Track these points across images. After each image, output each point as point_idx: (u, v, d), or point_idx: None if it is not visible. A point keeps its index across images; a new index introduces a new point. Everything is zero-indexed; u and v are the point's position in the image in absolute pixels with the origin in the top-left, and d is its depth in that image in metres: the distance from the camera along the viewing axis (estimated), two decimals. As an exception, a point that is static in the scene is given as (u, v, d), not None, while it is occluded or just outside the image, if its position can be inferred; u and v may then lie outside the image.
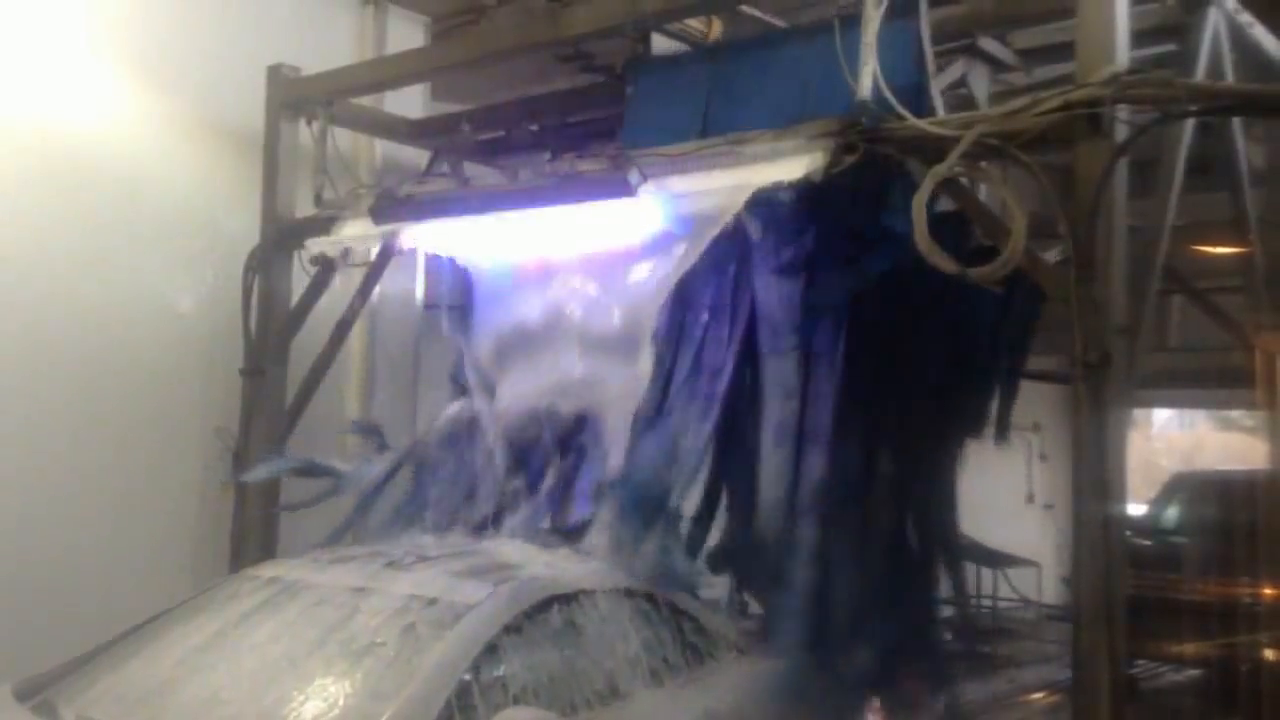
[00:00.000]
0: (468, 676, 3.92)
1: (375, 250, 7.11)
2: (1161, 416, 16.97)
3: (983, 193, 4.95)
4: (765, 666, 4.95)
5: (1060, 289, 4.44)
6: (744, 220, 5.30)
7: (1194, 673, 9.25)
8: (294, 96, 7.33)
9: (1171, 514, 9.80)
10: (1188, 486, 10.07)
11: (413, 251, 6.77)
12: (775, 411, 5.51)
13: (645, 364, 5.59)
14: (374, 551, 4.99)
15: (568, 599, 4.46)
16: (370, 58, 8.06)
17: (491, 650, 4.05)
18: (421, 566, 4.61)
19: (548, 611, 4.34)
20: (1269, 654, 7.37)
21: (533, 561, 4.84)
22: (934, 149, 4.62)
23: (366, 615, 4.23)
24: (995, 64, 6.09)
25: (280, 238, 7.28)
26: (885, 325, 5.54)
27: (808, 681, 4.96)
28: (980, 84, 6.09)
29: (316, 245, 6.84)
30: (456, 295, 6.53)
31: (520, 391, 6.00)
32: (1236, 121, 5.60)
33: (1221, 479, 9.77)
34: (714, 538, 5.93)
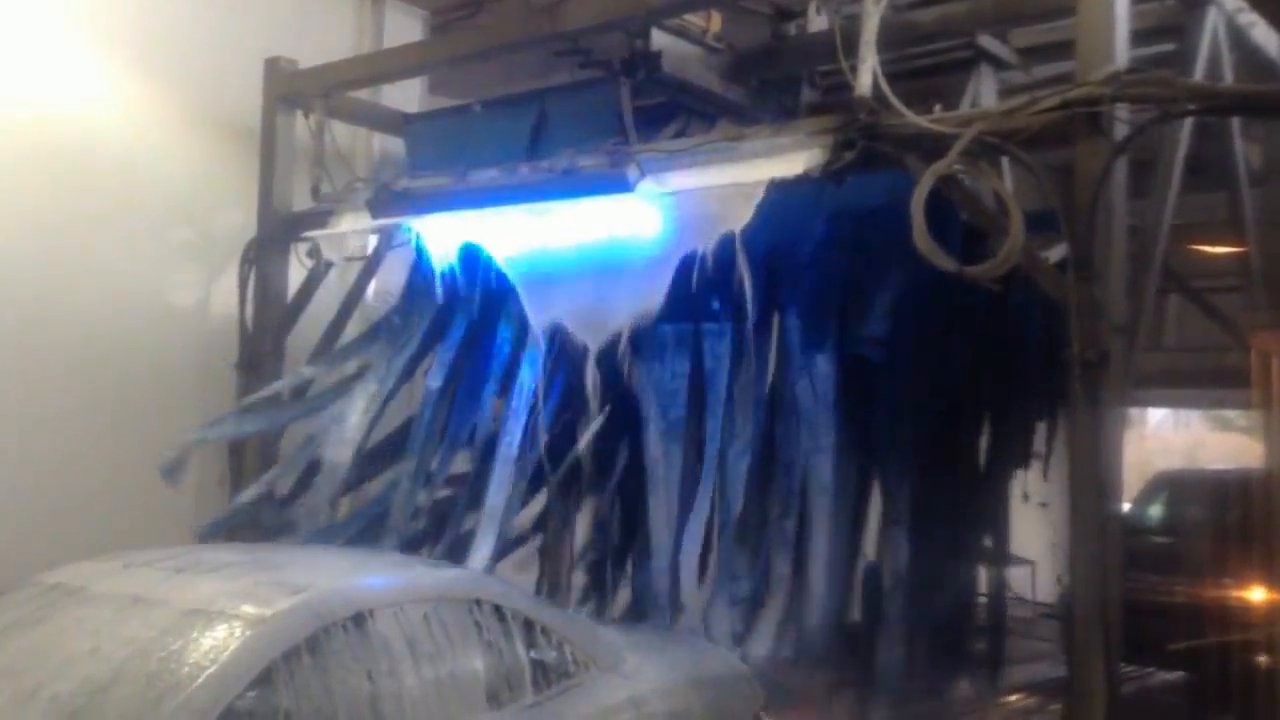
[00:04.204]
0: (237, 706, 3.30)
1: (372, 244, 7.10)
2: (1158, 415, 16.98)
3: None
4: (630, 684, 4.55)
5: (1058, 288, 4.44)
6: None
7: (1175, 674, 9.25)
8: (291, 89, 7.31)
9: (1153, 513, 9.76)
10: (1170, 485, 10.01)
11: (409, 245, 6.75)
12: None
13: None
14: (173, 555, 4.29)
15: (383, 613, 3.84)
16: (368, 51, 8.05)
17: (271, 674, 3.42)
18: (214, 575, 3.96)
19: (356, 627, 3.72)
20: (1250, 655, 7.36)
21: (358, 569, 4.31)
22: (933, 146, 4.62)
23: (133, 632, 3.58)
24: (995, 62, 6.09)
25: (277, 231, 7.26)
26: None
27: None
28: (988, 85, 6.10)
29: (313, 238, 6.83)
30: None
31: None
32: (1234, 122, 5.60)
33: (1203, 478, 9.75)
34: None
